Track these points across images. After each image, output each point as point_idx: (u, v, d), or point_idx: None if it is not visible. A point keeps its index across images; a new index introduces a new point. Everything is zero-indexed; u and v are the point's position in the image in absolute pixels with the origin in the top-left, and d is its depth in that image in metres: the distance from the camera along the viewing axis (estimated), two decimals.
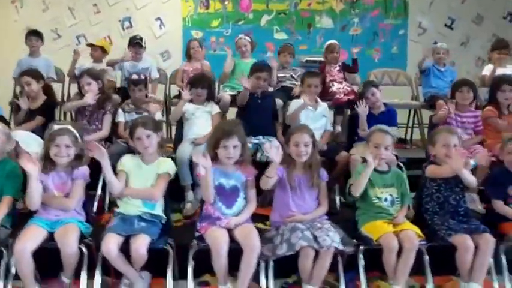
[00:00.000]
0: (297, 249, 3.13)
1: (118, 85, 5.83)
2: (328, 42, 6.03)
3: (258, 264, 3.19)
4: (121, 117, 4.59)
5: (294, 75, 5.82)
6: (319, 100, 4.83)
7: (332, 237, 3.19)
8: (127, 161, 3.47)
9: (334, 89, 5.66)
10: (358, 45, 6.66)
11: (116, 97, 4.91)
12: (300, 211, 3.44)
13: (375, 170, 3.54)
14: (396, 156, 4.06)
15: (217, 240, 3.12)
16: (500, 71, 5.82)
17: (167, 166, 3.47)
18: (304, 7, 8.22)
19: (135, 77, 4.62)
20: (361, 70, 6.19)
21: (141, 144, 3.41)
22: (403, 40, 8.35)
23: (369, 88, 4.75)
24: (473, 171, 3.65)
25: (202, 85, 4.67)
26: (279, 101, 5.10)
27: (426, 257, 3.40)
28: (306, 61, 6.51)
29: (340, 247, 3.19)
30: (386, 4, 8.30)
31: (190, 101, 4.69)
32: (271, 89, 5.42)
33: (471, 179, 3.48)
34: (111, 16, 7.94)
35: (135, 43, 5.74)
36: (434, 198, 3.60)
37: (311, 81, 4.75)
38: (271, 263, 3.26)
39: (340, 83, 5.74)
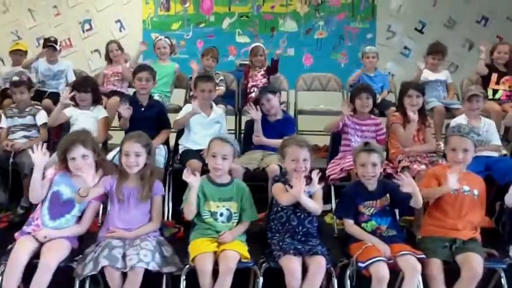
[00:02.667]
0: (99, 269, 2.96)
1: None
2: (252, 45, 5.89)
3: None
4: (2, 123, 4.51)
5: (215, 79, 5.64)
6: (214, 106, 4.66)
7: (141, 257, 3.01)
8: None
9: (253, 95, 5.48)
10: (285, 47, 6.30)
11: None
12: (126, 226, 3.28)
13: (212, 182, 3.36)
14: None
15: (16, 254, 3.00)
16: (433, 76, 5.69)
17: None
18: (268, 10, 8.05)
19: (15, 78, 4.54)
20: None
21: None
22: (371, 44, 7.99)
23: (264, 94, 4.57)
24: None
25: (85, 89, 4.56)
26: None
27: (259, 279, 3.18)
28: (240, 65, 6.31)
29: (150, 267, 3.01)
30: (353, 7, 8.06)
31: (77, 105, 4.57)
32: None
33: (312, 206, 3.26)
34: (71, 18, 7.96)
35: (49, 45, 5.66)
36: (277, 216, 3.40)
37: (204, 86, 4.58)
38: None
39: None
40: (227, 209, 3.37)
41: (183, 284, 3.14)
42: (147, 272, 3.04)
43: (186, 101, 5.49)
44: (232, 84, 5.85)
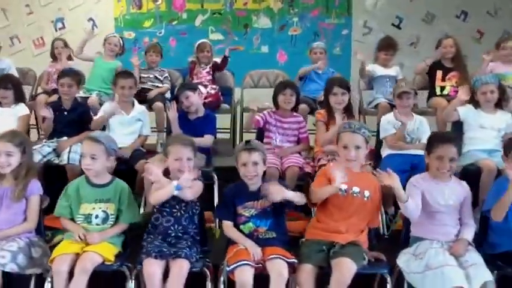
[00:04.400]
0: None
1: None
2: (198, 41, 5.75)
3: None
4: None
5: (159, 76, 5.58)
6: (136, 104, 4.57)
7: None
8: None
9: None
10: (238, 45, 6.30)
11: None
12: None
13: (89, 183, 3.28)
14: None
15: None
16: (383, 72, 5.56)
17: None
18: (240, 6, 7.90)
19: None
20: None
21: None
22: (346, 40, 7.87)
23: (182, 91, 4.46)
24: None
25: (6, 86, 4.52)
26: None
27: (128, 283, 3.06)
28: (191, 62, 6.19)
29: (7, 269, 2.96)
30: (328, 3, 7.85)
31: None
32: None
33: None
34: (44, 17, 7.95)
35: None
36: (153, 218, 3.31)
37: (123, 83, 4.51)
38: None
39: (206, 86, 5.44)
40: (103, 211, 3.27)
41: (47, 285, 3.04)
42: None
43: None
44: (178, 81, 5.73)
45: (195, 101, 4.45)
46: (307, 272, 2.96)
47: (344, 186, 3.16)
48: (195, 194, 3.22)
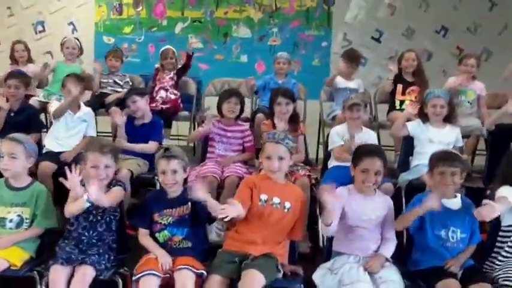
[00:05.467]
0: None
1: None
2: (162, 48, 5.74)
3: None
4: None
5: (119, 81, 5.55)
6: (82, 106, 4.54)
7: None
8: None
9: (157, 97, 5.40)
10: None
11: None
12: None
13: (8, 186, 3.24)
14: None
15: None
16: (344, 84, 5.51)
17: None
18: (221, 15, 7.88)
19: None
20: None
21: None
22: (325, 52, 7.81)
23: (130, 95, 4.40)
24: None
25: None
26: None
27: None
28: (156, 68, 6.16)
29: None
30: (308, 14, 7.80)
31: None
32: None
33: None
34: (25, 20, 8.00)
35: None
36: (70, 223, 3.24)
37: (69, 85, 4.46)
38: None
39: (167, 90, 5.42)
40: (18, 215, 3.22)
41: None
42: None
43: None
44: (140, 86, 5.74)
45: (142, 106, 4.40)
46: (215, 283, 2.88)
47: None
48: (112, 200, 3.15)
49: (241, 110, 4.37)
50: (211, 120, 4.30)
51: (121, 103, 4.63)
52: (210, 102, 5.87)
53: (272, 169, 3.15)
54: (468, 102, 5.15)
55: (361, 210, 3.17)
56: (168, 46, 5.89)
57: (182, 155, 3.25)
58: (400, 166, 4.46)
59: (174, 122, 5.59)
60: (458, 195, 3.23)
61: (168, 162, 3.16)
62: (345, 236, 3.16)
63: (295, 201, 3.19)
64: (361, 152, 3.22)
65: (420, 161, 4.22)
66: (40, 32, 8.03)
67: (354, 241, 3.15)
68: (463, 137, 5.01)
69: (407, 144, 4.44)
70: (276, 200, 3.15)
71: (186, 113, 5.57)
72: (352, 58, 5.49)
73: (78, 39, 5.81)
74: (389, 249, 3.14)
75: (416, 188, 3.87)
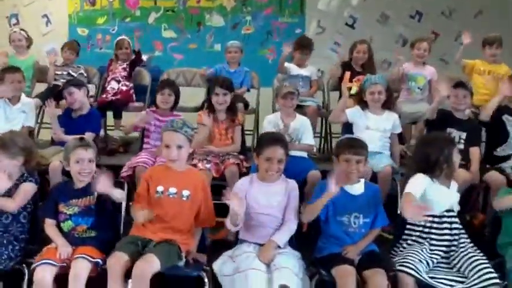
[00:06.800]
0: None
1: None
2: (117, 39, 5.72)
3: None
4: None
5: (73, 73, 5.55)
6: (23, 97, 4.56)
7: None
8: None
9: (108, 87, 5.41)
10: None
11: None
12: None
13: None
14: None
15: None
16: (297, 71, 5.44)
17: None
18: (194, 4, 7.83)
19: None
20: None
21: None
22: None
23: (67, 87, 4.43)
24: None
25: None
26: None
27: None
28: (110, 59, 6.13)
29: None
30: (281, 2, 7.72)
31: None
32: None
33: None
34: None
35: None
36: None
37: (12, 78, 4.50)
38: None
39: (119, 81, 5.40)
40: None
41: None
42: None
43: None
44: (95, 78, 5.69)
45: (79, 97, 4.39)
46: (115, 258, 2.86)
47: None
48: (21, 202, 3.20)
49: (176, 101, 4.33)
50: (147, 112, 4.27)
51: (59, 94, 4.63)
52: None
53: (171, 158, 3.11)
54: (418, 88, 5.06)
55: (262, 197, 3.15)
56: (123, 36, 5.85)
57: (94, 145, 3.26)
58: None
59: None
60: (362, 180, 3.20)
61: (86, 151, 3.18)
62: (248, 223, 3.12)
63: (195, 187, 3.14)
64: (264, 141, 3.19)
65: None
66: (14, 24, 7.97)
67: (257, 228, 3.13)
68: (414, 122, 5.00)
69: (347, 131, 4.39)
70: (172, 190, 3.11)
71: (140, 104, 5.52)
72: (305, 45, 5.41)
73: (24, 30, 5.75)
74: (283, 234, 3.11)
75: None
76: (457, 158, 3.06)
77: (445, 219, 3.08)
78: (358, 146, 3.12)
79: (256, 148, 3.21)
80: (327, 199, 2.97)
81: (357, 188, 3.14)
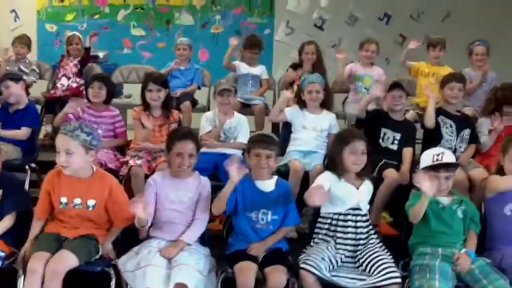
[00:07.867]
0: None
1: None
2: (68, 34, 5.69)
3: None
4: None
5: (24, 68, 5.51)
6: None
7: None
8: None
9: (58, 84, 5.37)
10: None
11: None
12: None
13: None
14: None
15: None
16: (247, 70, 5.40)
17: None
18: (163, 2, 7.80)
19: None
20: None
21: None
22: (268, 40, 7.65)
23: (3, 80, 4.38)
24: None
25: None
26: None
27: None
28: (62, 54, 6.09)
29: None
30: (251, 1, 7.69)
31: None
32: None
33: None
34: None
35: None
36: None
37: None
38: None
39: (69, 78, 5.36)
40: None
41: None
42: None
43: None
44: (47, 73, 5.65)
45: (16, 91, 4.33)
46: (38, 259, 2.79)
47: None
48: None
49: (109, 95, 4.28)
50: (77, 102, 4.23)
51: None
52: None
53: (59, 164, 2.92)
54: (365, 88, 5.03)
55: (172, 193, 3.09)
56: (74, 32, 5.82)
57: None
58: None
59: None
60: (275, 177, 3.15)
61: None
62: (158, 219, 3.08)
63: (100, 194, 3.01)
64: (174, 137, 3.14)
65: (293, 147, 4.18)
66: None
67: (166, 224, 3.07)
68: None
69: (286, 130, 4.34)
70: (77, 200, 3.00)
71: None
72: (255, 44, 5.36)
73: None
74: (193, 231, 3.05)
75: (283, 174, 3.77)
76: (353, 157, 3.01)
77: (349, 217, 3.02)
78: (268, 141, 3.09)
79: (167, 144, 3.15)
80: (228, 192, 2.94)
81: (267, 185, 3.08)
